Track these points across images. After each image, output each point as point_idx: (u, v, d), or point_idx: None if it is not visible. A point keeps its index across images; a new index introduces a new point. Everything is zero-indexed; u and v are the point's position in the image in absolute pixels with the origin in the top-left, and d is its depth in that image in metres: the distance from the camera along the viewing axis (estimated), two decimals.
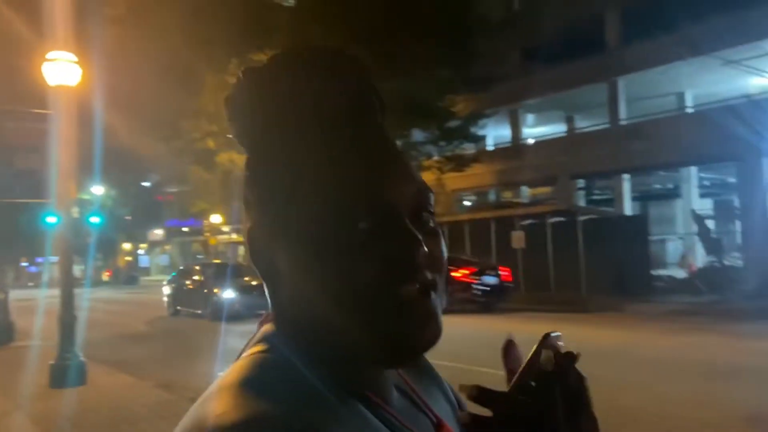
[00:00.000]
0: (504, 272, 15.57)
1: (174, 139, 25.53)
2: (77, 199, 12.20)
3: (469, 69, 18.68)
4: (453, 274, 14.55)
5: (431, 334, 0.52)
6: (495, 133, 26.22)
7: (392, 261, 0.50)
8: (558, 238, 17.30)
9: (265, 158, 0.56)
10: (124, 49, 17.50)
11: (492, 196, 26.87)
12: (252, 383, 0.49)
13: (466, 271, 14.85)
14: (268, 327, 0.57)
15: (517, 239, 17.33)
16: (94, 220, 27.74)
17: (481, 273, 15.00)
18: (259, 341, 0.55)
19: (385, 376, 0.58)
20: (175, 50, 17.26)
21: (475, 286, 14.71)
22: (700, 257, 20.58)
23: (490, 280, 15.08)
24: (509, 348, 0.61)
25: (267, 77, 0.56)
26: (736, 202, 19.20)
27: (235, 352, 0.58)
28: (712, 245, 18.49)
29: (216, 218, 30.50)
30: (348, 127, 0.54)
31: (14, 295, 14.60)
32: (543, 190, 26.39)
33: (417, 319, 0.51)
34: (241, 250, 36.92)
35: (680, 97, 21.97)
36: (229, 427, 0.44)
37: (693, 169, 22.34)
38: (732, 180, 20.85)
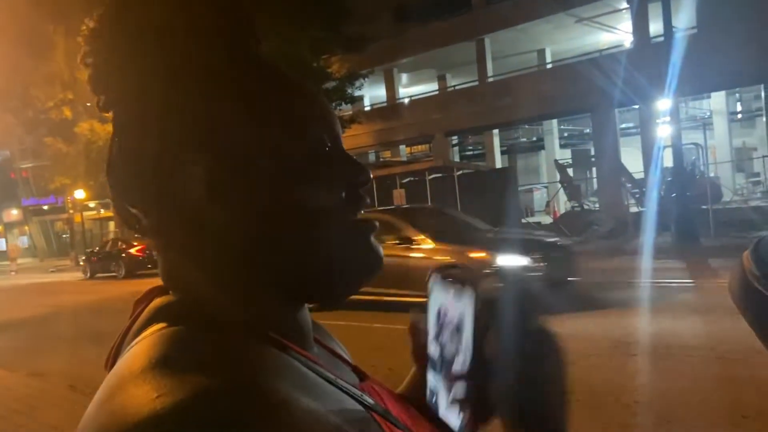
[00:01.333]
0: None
1: (24, 109, 23.20)
2: None
3: (342, 28, 18.53)
4: (131, 250, 19.63)
5: (379, 256, 0.52)
6: (371, 94, 26.40)
7: (347, 186, 0.51)
8: (437, 193, 17.96)
9: (180, 95, 0.49)
10: None
11: (372, 157, 27.22)
12: (171, 361, 0.41)
13: (139, 247, 19.53)
14: (156, 303, 0.50)
15: (399, 197, 17.81)
16: None
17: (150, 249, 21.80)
18: (152, 320, 0.47)
19: (304, 328, 0.53)
20: (20, 12, 15.50)
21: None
22: (563, 203, 22.28)
23: None
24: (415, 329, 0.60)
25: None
26: (592, 151, 20.82)
27: (111, 333, 0.51)
28: (573, 192, 20.04)
29: (79, 193, 28.27)
30: (259, 59, 0.52)
31: None
32: (420, 148, 27.09)
33: (368, 241, 0.52)
34: (112, 225, 34.68)
35: (541, 53, 23.26)
36: (169, 414, 0.36)
37: (554, 122, 23.92)
38: (588, 130, 22.56)
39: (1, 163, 40.46)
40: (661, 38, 13.92)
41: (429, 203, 17.80)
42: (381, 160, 25.81)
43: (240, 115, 0.48)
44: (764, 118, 20.02)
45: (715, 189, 15.35)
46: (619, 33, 21.30)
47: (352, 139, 23.18)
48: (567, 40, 21.95)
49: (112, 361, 0.49)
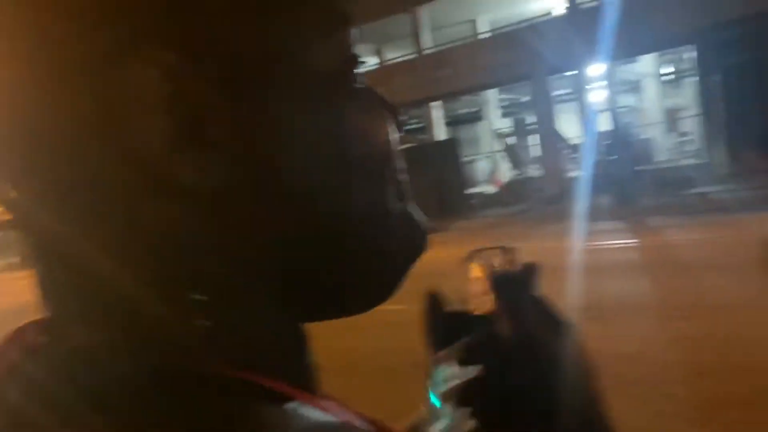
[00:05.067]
0: None
1: None
2: None
3: None
4: None
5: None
6: None
7: (396, 179, 0.38)
8: None
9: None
10: None
11: None
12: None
13: None
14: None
15: None
16: None
17: None
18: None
19: (310, 364, 0.36)
20: None
21: None
22: (506, 172, 22.53)
23: None
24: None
25: None
26: (531, 119, 21.02)
27: None
28: (514, 160, 20.28)
29: None
30: None
31: None
32: None
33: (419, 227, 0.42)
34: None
35: (474, 23, 23.21)
36: None
37: (493, 92, 24.02)
38: (526, 98, 22.77)
39: None
40: (593, 3, 14.06)
41: None
42: None
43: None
44: (693, 79, 20.60)
45: (648, 150, 15.78)
46: None
47: None
48: (500, 8, 21.95)
49: None
